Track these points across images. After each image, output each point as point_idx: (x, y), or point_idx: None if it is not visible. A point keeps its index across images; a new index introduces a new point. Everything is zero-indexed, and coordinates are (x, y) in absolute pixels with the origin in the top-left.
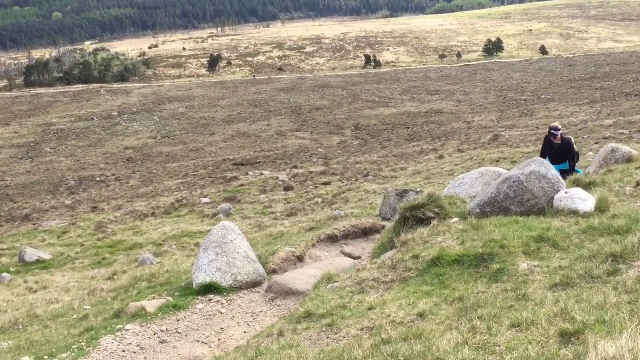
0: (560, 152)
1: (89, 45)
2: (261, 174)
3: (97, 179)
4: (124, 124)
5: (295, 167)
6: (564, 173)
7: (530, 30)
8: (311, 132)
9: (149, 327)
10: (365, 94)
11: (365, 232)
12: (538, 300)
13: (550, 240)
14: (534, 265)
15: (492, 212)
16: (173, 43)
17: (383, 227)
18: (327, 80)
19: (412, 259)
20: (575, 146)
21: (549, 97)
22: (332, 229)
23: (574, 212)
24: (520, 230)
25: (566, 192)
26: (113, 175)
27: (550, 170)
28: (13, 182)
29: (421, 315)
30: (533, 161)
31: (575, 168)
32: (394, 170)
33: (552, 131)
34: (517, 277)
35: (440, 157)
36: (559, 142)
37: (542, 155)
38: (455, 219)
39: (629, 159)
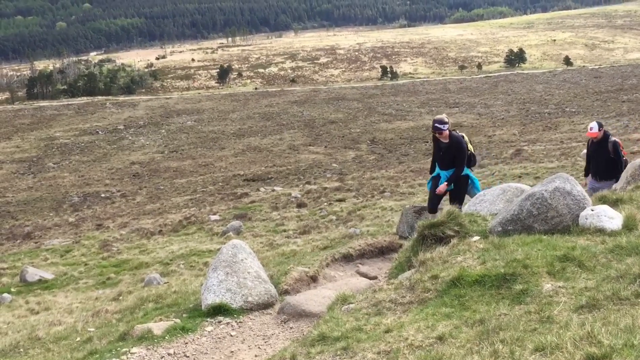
0: (448, 154)
1: (94, 57)
2: (273, 190)
3: (102, 195)
4: (130, 138)
5: (308, 183)
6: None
7: (554, 40)
8: (325, 147)
9: (155, 351)
10: (381, 107)
11: (381, 251)
12: (563, 322)
13: (575, 260)
14: (559, 286)
15: (515, 231)
16: (182, 54)
17: (400, 246)
18: (342, 92)
19: (431, 280)
20: (470, 146)
21: (573, 110)
22: (347, 247)
23: (600, 231)
24: (544, 250)
25: (592, 210)
26: (119, 191)
27: (576, 187)
28: (15, 198)
29: (441, 338)
30: (557, 177)
31: (470, 175)
32: (412, 186)
33: (436, 125)
34: (541, 299)
35: None
36: (447, 141)
37: (434, 162)
38: (476, 238)
39: None
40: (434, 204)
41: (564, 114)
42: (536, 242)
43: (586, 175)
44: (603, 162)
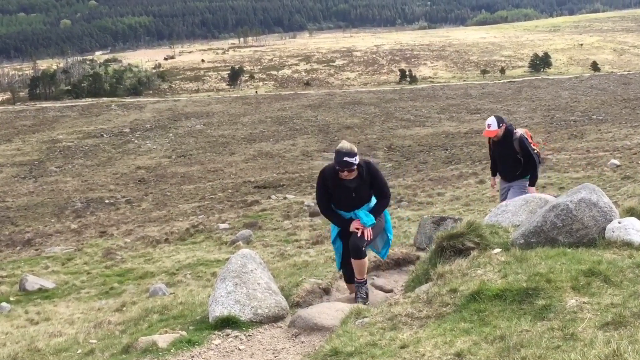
0: (362, 188)
1: (99, 56)
2: (285, 198)
3: (106, 201)
4: (136, 141)
5: None
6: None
7: (581, 44)
8: None
9: None
10: (399, 112)
11: (398, 263)
12: (588, 340)
13: (601, 274)
14: (584, 302)
15: (538, 243)
16: (191, 54)
17: (418, 257)
18: (358, 96)
19: (449, 294)
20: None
21: (600, 117)
22: None
23: (627, 244)
24: (569, 264)
25: (619, 222)
26: (123, 197)
27: (602, 198)
28: (15, 203)
29: (459, 355)
30: (583, 188)
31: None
32: (431, 195)
33: (346, 159)
34: (565, 315)
35: (481, 182)
36: (356, 174)
37: (323, 203)
38: (497, 250)
39: None
40: (350, 269)
41: (591, 121)
42: (560, 256)
43: (494, 174)
44: (510, 162)
